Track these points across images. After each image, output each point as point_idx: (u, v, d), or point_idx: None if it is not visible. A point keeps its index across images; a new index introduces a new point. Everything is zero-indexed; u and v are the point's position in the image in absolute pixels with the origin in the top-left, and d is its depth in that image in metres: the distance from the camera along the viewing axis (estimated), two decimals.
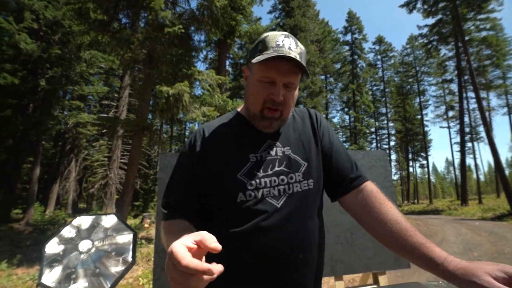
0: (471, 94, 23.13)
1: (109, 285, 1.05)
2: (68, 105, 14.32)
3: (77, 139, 16.29)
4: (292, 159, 0.72)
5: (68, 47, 12.31)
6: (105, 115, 15.35)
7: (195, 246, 0.42)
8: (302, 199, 0.69)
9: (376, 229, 0.65)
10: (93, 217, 1.23)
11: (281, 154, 0.72)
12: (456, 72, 22.67)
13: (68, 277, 1.06)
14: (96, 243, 1.16)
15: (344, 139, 34.19)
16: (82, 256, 1.12)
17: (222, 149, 0.71)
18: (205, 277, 0.40)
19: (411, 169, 35.88)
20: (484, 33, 20.04)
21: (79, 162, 16.06)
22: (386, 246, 0.64)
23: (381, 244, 0.66)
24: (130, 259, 1.15)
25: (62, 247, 1.13)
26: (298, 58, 0.64)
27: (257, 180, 0.67)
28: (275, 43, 0.65)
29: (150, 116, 10.15)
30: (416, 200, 32.77)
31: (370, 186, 0.72)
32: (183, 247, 0.42)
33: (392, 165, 35.24)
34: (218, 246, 0.42)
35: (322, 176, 0.75)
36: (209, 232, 0.70)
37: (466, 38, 18.45)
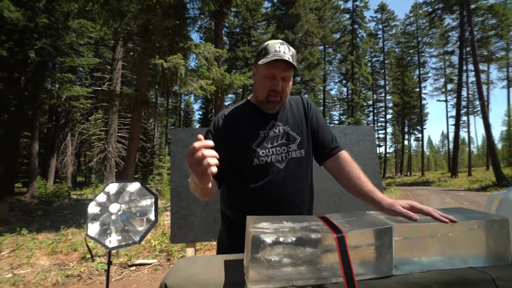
0: (472, 67, 22.80)
1: (138, 238, 1.28)
2: (59, 78, 13.94)
3: (71, 113, 16.12)
4: (290, 134, 1.00)
5: (55, 16, 11.68)
6: (99, 88, 15.05)
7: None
8: (297, 163, 0.99)
9: (345, 184, 0.95)
10: (121, 184, 1.43)
11: (282, 131, 1.00)
12: (458, 43, 22.02)
13: (105, 231, 1.31)
14: (123, 206, 1.37)
15: (341, 111, 34.03)
16: (112, 217, 1.34)
17: (239, 128, 1.00)
18: (205, 154, 0.65)
19: (406, 142, 36.41)
20: (492, 0, 19.10)
21: (75, 136, 16.06)
22: (352, 195, 0.93)
23: (349, 193, 0.93)
24: (153, 218, 1.38)
25: (98, 208, 1.37)
26: (290, 59, 0.91)
27: (266, 150, 0.97)
28: (274, 49, 0.92)
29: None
30: (409, 173, 33.69)
31: (344, 154, 1.00)
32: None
33: (388, 138, 35.57)
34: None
35: (311, 148, 1.05)
36: (233, 187, 0.99)
37: (472, 6, 17.74)
